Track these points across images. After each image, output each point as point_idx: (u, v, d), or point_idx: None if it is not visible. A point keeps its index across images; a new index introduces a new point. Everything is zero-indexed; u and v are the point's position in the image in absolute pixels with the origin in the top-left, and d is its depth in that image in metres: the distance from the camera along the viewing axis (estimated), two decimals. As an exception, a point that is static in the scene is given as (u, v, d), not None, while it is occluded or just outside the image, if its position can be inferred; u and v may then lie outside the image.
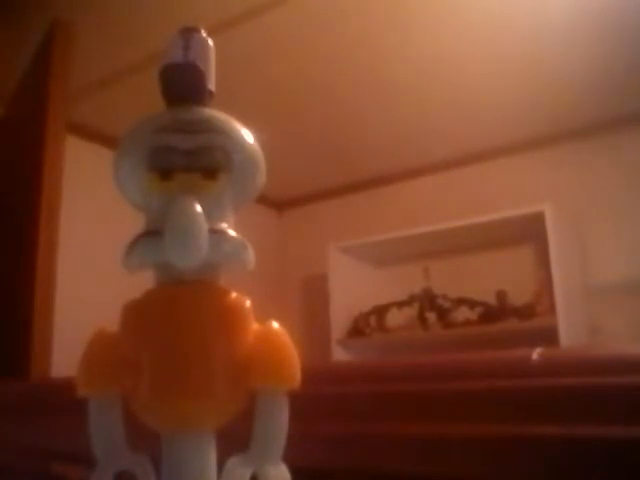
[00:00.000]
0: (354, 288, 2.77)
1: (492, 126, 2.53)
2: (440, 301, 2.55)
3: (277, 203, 3.33)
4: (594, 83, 2.23)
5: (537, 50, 2.05)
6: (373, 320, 2.68)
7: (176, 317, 0.18)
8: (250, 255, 0.18)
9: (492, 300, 2.45)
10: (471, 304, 2.47)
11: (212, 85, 0.19)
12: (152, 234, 0.18)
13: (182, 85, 0.18)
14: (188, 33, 0.19)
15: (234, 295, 0.18)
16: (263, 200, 3.17)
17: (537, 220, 2.30)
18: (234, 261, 0.18)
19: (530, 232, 2.44)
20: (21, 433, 0.38)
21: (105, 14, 1.89)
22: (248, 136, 0.19)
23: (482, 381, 0.22)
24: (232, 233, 0.18)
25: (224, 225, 0.18)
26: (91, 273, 2.37)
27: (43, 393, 0.39)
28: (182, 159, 0.18)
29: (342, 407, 0.24)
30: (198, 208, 0.17)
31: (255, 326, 0.18)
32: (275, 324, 0.18)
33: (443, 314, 2.52)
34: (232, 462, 0.18)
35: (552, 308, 2.22)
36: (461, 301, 2.50)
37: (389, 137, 2.64)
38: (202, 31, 0.19)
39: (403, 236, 2.61)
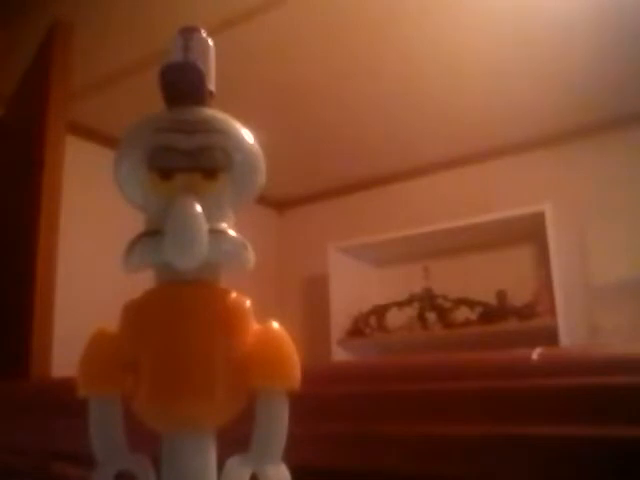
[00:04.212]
0: (354, 288, 2.78)
1: (492, 126, 2.53)
2: (440, 301, 2.55)
3: (277, 203, 3.33)
4: (594, 83, 2.24)
5: (537, 50, 2.05)
6: (373, 320, 2.68)
7: (176, 317, 0.18)
8: (250, 255, 0.18)
9: (492, 300, 2.45)
10: (471, 304, 2.47)
11: (212, 85, 0.19)
12: (152, 234, 0.18)
13: (182, 85, 0.18)
14: (188, 33, 0.19)
15: (234, 295, 0.18)
16: (263, 200, 3.17)
17: (537, 220, 2.30)
18: (234, 261, 0.18)
19: (530, 232, 2.45)
20: (21, 433, 0.38)
21: (105, 14, 1.89)
22: (248, 136, 0.19)
23: (482, 381, 0.22)
24: (232, 233, 0.18)
25: (224, 225, 0.18)
26: (91, 273, 2.37)
27: (43, 393, 0.39)
28: (182, 159, 0.18)
29: (342, 407, 0.24)
30: (198, 208, 0.17)
31: (255, 326, 0.18)
32: (275, 324, 0.18)
33: (443, 314, 2.53)
34: (232, 462, 0.18)
35: (552, 308, 2.22)
36: (461, 301, 2.50)
37: (389, 137, 2.64)
38: (202, 31, 0.19)
39: (403, 236, 2.61)
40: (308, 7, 1.89)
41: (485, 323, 2.41)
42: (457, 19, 1.92)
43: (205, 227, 0.17)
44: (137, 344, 0.18)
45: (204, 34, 0.19)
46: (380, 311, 2.68)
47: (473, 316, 2.47)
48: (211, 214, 0.17)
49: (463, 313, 2.50)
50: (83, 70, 1.89)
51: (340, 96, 2.35)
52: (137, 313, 0.18)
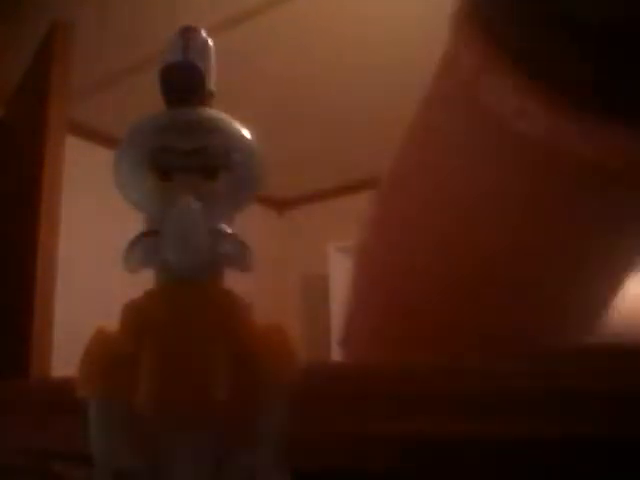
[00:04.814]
0: (354, 288, 2.77)
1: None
2: (440, 301, 2.55)
3: (277, 203, 3.33)
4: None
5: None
6: (373, 320, 2.68)
7: (176, 317, 0.18)
8: (250, 255, 0.18)
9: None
10: (471, 304, 2.47)
11: (212, 85, 0.19)
12: (152, 234, 0.18)
13: (182, 85, 0.18)
14: (188, 33, 0.19)
15: (234, 295, 0.18)
16: (263, 200, 3.17)
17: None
18: (234, 261, 0.18)
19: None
20: (21, 433, 0.38)
21: (105, 14, 1.89)
22: (248, 136, 0.19)
23: (482, 381, 0.22)
24: (232, 233, 0.18)
25: (224, 225, 0.18)
26: (91, 273, 2.37)
27: (43, 393, 0.39)
28: (182, 159, 0.18)
29: (342, 407, 0.24)
30: (197, 208, 0.17)
31: (255, 326, 0.18)
32: (275, 324, 0.18)
33: (443, 314, 2.52)
34: (232, 461, 0.18)
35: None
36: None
37: (389, 137, 2.64)
38: (202, 31, 0.19)
39: (403, 236, 2.60)
40: (308, 7, 1.89)
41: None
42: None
43: (204, 227, 0.17)
44: (137, 344, 0.18)
45: (204, 34, 0.19)
46: (380, 311, 2.67)
47: (473, 316, 2.47)
48: (211, 214, 0.17)
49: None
50: (83, 70, 1.89)
51: (341, 96, 2.35)
52: (137, 313, 0.18)
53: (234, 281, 0.20)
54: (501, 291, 0.27)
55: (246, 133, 0.19)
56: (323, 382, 0.25)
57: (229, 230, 0.18)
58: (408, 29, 1.97)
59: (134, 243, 0.18)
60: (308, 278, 3.14)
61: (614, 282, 0.27)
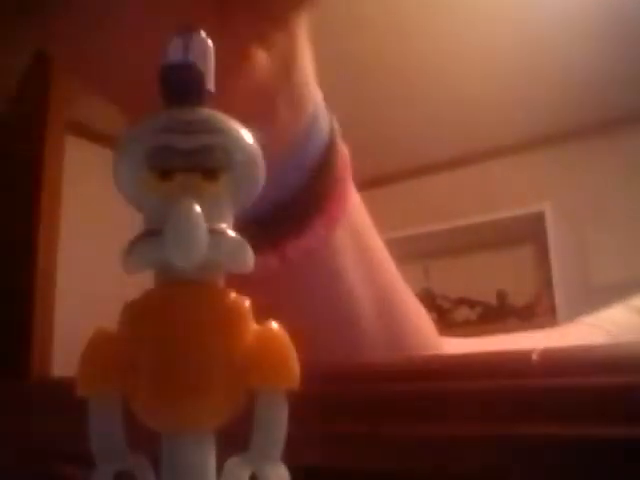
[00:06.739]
0: (354, 288, 2.77)
1: (492, 126, 2.54)
2: (440, 301, 2.56)
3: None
4: (594, 83, 2.24)
5: (537, 49, 2.05)
6: (373, 320, 2.69)
7: (175, 317, 0.18)
8: (250, 255, 0.18)
9: (492, 300, 2.45)
10: (471, 304, 2.48)
11: (211, 85, 0.19)
12: (152, 234, 0.18)
13: (181, 86, 0.18)
14: (188, 33, 0.19)
15: (233, 295, 0.18)
16: (263, 200, 3.17)
17: (537, 220, 2.31)
18: (234, 261, 0.18)
19: (530, 232, 2.45)
20: (21, 433, 0.38)
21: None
22: (248, 136, 0.19)
23: (482, 381, 0.22)
24: (232, 233, 0.18)
25: (224, 225, 0.18)
26: (91, 273, 2.37)
27: (43, 393, 0.39)
28: (181, 159, 0.18)
29: (342, 407, 0.24)
30: (197, 208, 0.17)
31: (254, 326, 0.18)
32: (274, 324, 0.18)
33: (443, 314, 2.53)
34: (231, 462, 0.18)
35: (552, 308, 2.23)
36: (461, 301, 2.50)
37: (389, 137, 2.64)
38: (202, 31, 0.19)
39: (403, 236, 2.61)
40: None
41: (485, 323, 2.41)
42: (457, 18, 1.92)
43: (204, 228, 0.17)
44: (137, 344, 0.18)
45: (204, 34, 0.19)
46: (380, 311, 2.68)
47: (473, 316, 2.47)
48: (211, 214, 0.17)
49: (463, 313, 2.50)
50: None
51: (340, 96, 2.35)
52: (136, 313, 0.18)
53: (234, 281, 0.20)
54: None
55: (246, 134, 0.19)
56: (322, 382, 0.25)
57: (229, 230, 0.18)
58: (407, 29, 1.97)
59: (134, 243, 0.18)
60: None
61: None
